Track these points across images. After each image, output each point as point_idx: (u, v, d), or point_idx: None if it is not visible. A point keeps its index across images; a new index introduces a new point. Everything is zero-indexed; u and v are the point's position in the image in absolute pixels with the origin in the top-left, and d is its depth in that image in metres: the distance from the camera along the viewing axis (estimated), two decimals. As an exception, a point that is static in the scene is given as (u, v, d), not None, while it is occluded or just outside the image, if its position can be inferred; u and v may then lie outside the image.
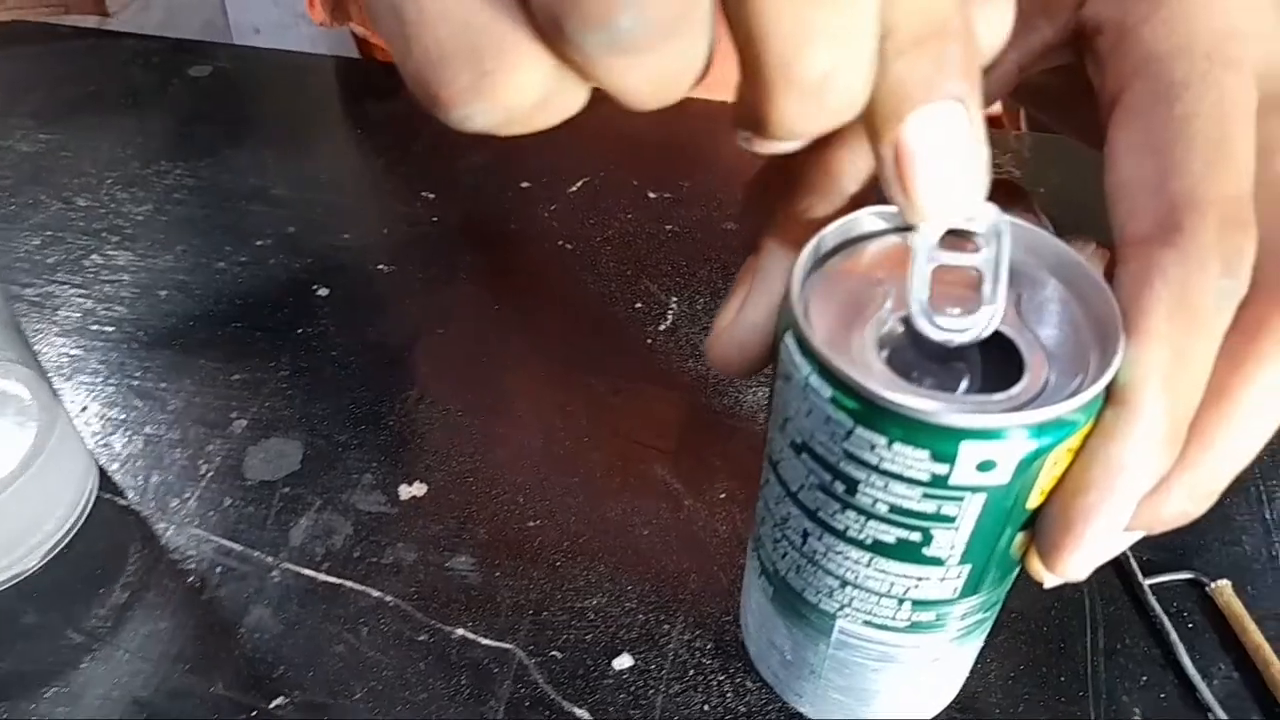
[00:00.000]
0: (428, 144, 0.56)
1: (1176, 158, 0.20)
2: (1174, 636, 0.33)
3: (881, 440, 0.20)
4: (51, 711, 0.32)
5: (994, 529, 0.21)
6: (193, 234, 0.51)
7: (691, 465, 0.39)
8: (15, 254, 0.49)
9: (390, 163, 0.57)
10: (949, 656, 0.26)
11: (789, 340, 0.21)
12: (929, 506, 0.20)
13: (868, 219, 0.22)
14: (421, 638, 0.33)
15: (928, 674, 0.27)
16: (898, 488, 0.20)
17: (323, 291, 0.47)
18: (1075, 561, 0.21)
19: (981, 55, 0.20)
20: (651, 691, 0.32)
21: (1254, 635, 0.32)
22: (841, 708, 0.28)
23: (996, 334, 0.21)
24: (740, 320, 0.23)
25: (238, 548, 0.36)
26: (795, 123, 0.17)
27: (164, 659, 0.33)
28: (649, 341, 0.44)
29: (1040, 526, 0.21)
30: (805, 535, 0.24)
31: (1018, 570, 0.24)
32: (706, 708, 0.32)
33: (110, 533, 0.37)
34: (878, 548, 0.22)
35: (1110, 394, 0.20)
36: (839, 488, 0.21)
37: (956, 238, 0.20)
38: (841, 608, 0.24)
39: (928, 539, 0.21)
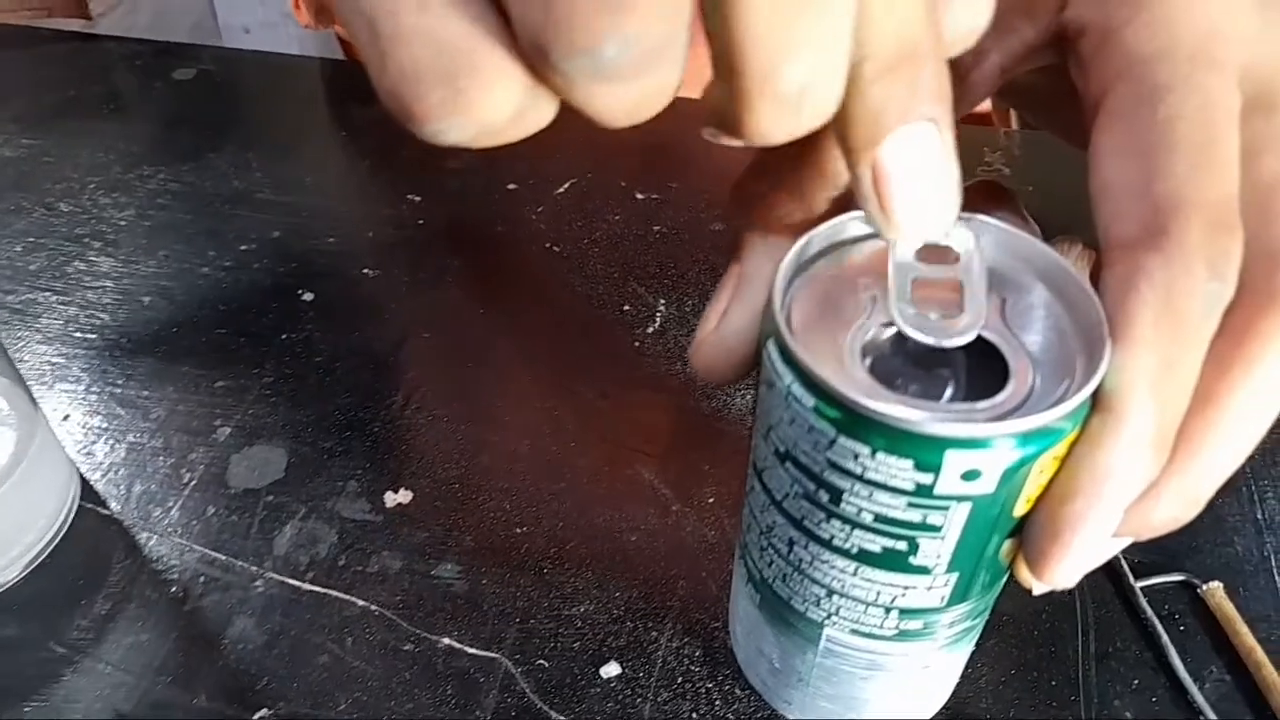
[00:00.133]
0: (413, 146, 0.55)
1: (1161, 161, 0.20)
2: (1166, 639, 0.32)
3: (865, 450, 0.19)
4: (32, 726, 0.31)
5: (980, 537, 0.21)
6: (176, 239, 0.50)
7: (680, 470, 0.39)
8: (-4, 261, 0.49)
9: (375, 165, 0.56)
10: (938, 664, 0.26)
11: (771, 348, 0.21)
12: (914, 516, 0.20)
13: (851, 224, 0.22)
14: (407, 647, 0.33)
15: (917, 681, 0.26)
16: (882, 497, 0.20)
17: (307, 296, 0.47)
18: (1063, 569, 0.21)
19: (957, 44, 0.20)
20: (639, 700, 0.32)
21: (1246, 638, 0.32)
22: (830, 715, 0.28)
23: (981, 340, 0.20)
24: (724, 327, 0.23)
25: (221, 557, 0.36)
26: (770, 130, 0.17)
27: (146, 671, 0.32)
28: (637, 345, 0.44)
29: (1027, 534, 0.21)
30: (791, 544, 0.23)
31: (1006, 576, 0.24)
32: (695, 716, 0.31)
33: (92, 543, 0.36)
34: (864, 557, 0.22)
35: (1097, 400, 0.19)
36: (823, 497, 0.21)
37: (936, 248, 0.20)
38: (828, 616, 0.24)
39: (914, 548, 0.21)
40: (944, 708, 0.30)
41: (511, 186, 0.53)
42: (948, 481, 0.19)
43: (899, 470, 0.19)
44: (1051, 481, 0.20)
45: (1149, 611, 0.33)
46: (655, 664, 0.33)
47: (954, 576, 0.22)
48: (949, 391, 0.21)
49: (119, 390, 0.42)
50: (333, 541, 0.36)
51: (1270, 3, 0.22)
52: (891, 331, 0.21)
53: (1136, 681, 0.32)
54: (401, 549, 0.36)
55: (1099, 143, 0.21)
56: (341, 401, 0.41)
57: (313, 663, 0.33)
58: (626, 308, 0.46)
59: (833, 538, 0.22)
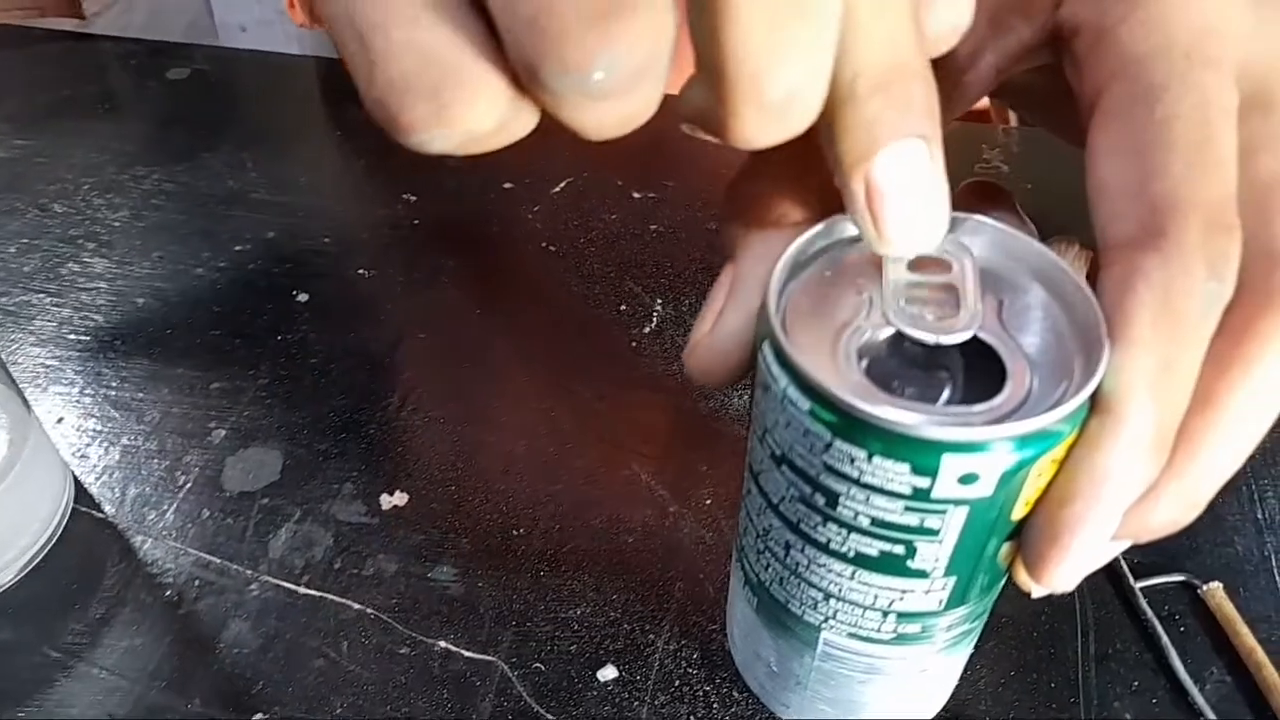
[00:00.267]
0: (409, 146, 0.55)
1: (1158, 160, 0.20)
2: (1166, 640, 0.32)
3: (861, 453, 0.19)
4: (26, 732, 0.31)
5: (978, 541, 0.21)
6: (170, 240, 0.50)
7: (677, 471, 0.38)
8: (-10, 262, 0.48)
9: (371, 165, 0.56)
10: (936, 667, 0.26)
11: (766, 350, 0.21)
12: (911, 520, 0.20)
13: (847, 225, 0.21)
14: (403, 651, 0.33)
15: (915, 684, 0.26)
16: (879, 501, 0.20)
17: (302, 297, 0.46)
18: (1062, 573, 0.20)
19: (940, 43, 0.20)
20: (636, 703, 0.31)
21: (1246, 638, 0.32)
22: (829, 718, 0.28)
23: (978, 342, 0.20)
24: (718, 329, 0.23)
25: (216, 561, 0.36)
26: (755, 136, 0.17)
27: (141, 676, 0.32)
28: (633, 344, 0.44)
29: (1026, 538, 0.21)
30: (788, 547, 0.23)
31: (1005, 579, 0.23)
32: (692, 719, 0.31)
33: (86, 547, 0.36)
34: (860, 560, 0.22)
35: (1095, 402, 0.19)
36: (820, 500, 0.21)
37: (928, 258, 0.21)
38: (826, 620, 0.24)
39: (911, 552, 0.21)
40: (943, 710, 0.30)
41: (508, 185, 0.53)
42: (945, 485, 0.19)
43: (896, 474, 0.19)
44: (1050, 484, 0.20)
45: (1149, 612, 0.33)
46: (652, 667, 0.32)
47: (952, 580, 0.22)
48: (946, 394, 0.20)
49: (113, 392, 0.42)
50: (328, 544, 0.36)
51: (1265, 0, 0.21)
52: (888, 333, 0.21)
53: (1136, 683, 0.32)
54: (397, 552, 0.36)
55: (1095, 142, 0.21)
56: (337, 403, 0.41)
57: (308, 666, 0.32)
58: (623, 307, 0.46)
59: (829, 541, 0.22)
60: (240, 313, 0.46)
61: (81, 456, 0.39)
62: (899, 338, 0.21)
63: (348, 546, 0.36)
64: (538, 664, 0.32)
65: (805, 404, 0.19)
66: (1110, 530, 0.20)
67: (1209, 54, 0.20)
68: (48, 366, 0.43)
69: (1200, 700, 0.31)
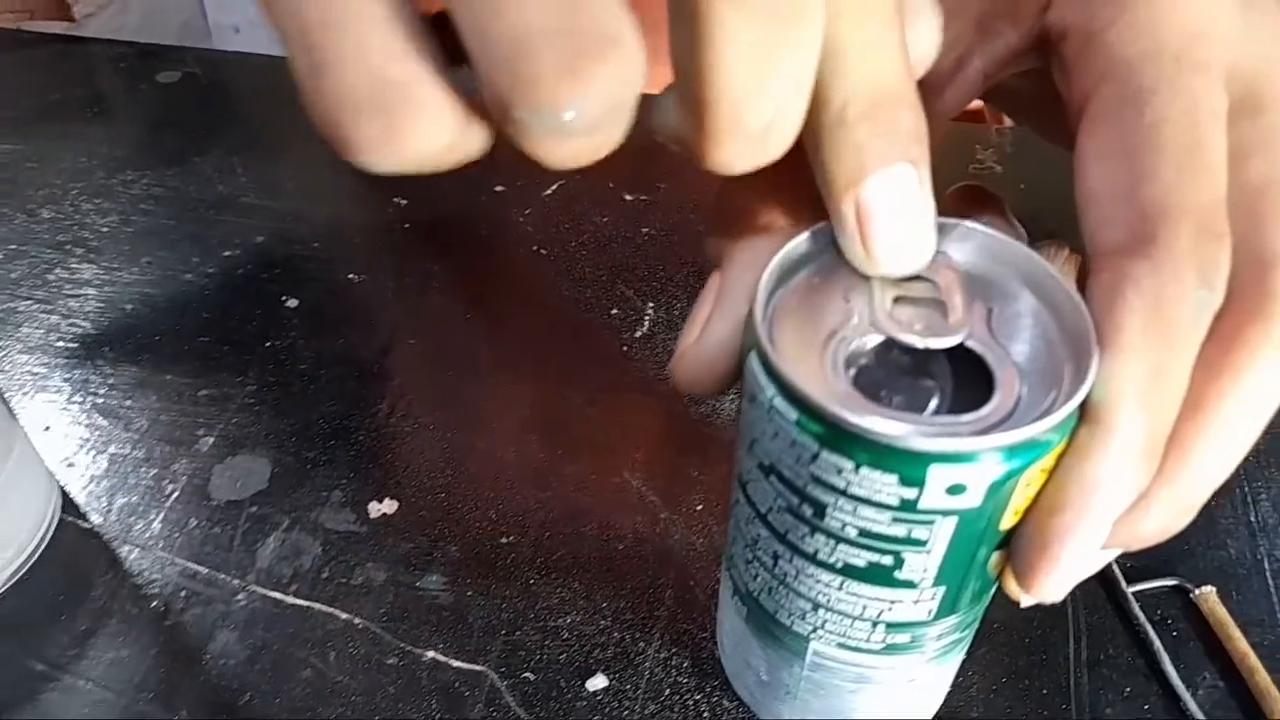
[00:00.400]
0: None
1: (1147, 165, 0.19)
2: (1158, 645, 0.32)
3: (848, 464, 0.19)
4: (11, 745, 0.31)
5: (967, 551, 0.21)
6: (159, 245, 0.50)
7: (668, 477, 0.38)
8: (-23, 269, 0.48)
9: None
10: (926, 676, 0.26)
11: (753, 361, 0.20)
12: (899, 530, 0.20)
13: (833, 233, 0.21)
14: (391, 660, 0.33)
15: (906, 694, 0.26)
16: (866, 512, 0.20)
17: (291, 303, 0.46)
18: (1051, 583, 0.20)
19: (914, 69, 0.20)
20: (626, 712, 0.31)
21: (1239, 643, 0.32)
22: (820, 728, 0.28)
23: (966, 350, 0.20)
24: (705, 338, 0.23)
25: (204, 570, 0.35)
26: (733, 162, 0.17)
27: (128, 688, 0.32)
28: (625, 349, 0.44)
29: (1015, 547, 0.21)
30: (776, 557, 0.23)
31: (995, 588, 0.23)
32: (683, 728, 0.31)
33: (73, 557, 0.36)
34: (849, 571, 0.21)
35: (1085, 411, 0.19)
36: (807, 511, 0.21)
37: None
38: (815, 630, 0.24)
39: (899, 562, 0.21)
40: (935, 718, 0.29)
41: (499, 189, 0.53)
42: (932, 496, 0.19)
43: (883, 485, 0.19)
44: (1039, 494, 0.20)
45: (1141, 617, 0.33)
46: (643, 675, 0.32)
47: (941, 590, 0.22)
48: (934, 403, 0.20)
49: (100, 400, 0.41)
50: (316, 553, 0.36)
51: (1253, 4, 0.21)
52: (876, 341, 0.20)
53: (1128, 689, 0.32)
54: (386, 560, 0.35)
55: (1084, 146, 0.21)
56: (326, 410, 0.41)
57: (296, 677, 0.32)
58: (615, 311, 0.45)
59: (817, 552, 0.21)
60: (229, 319, 0.45)
61: (69, 465, 0.39)
62: (887, 346, 0.21)
63: (336, 555, 0.36)
64: (527, 673, 0.32)
65: (792, 414, 0.19)
66: (1100, 539, 0.20)
67: (1198, 58, 0.20)
68: (35, 374, 0.43)
69: (1193, 706, 0.31)
